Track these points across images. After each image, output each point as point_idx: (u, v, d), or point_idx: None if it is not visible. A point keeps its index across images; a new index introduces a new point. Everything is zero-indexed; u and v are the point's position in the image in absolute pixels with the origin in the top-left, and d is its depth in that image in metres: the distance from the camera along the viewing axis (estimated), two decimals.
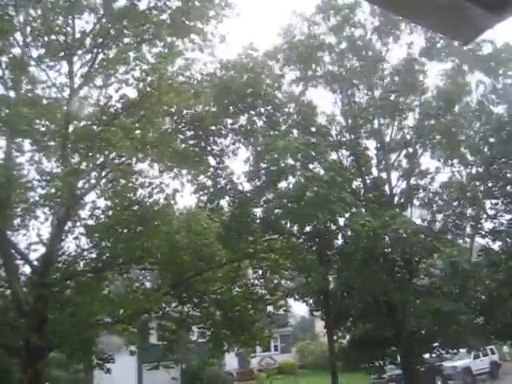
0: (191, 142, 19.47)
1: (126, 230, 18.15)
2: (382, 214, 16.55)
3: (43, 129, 16.63)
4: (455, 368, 31.27)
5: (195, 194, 19.56)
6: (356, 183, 19.90)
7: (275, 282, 21.60)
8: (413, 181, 20.13)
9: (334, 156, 19.86)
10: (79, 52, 17.53)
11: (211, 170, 19.68)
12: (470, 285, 17.94)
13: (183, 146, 19.18)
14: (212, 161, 20.00)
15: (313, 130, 19.35)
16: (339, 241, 19.80)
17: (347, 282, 18.60)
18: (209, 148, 19.73)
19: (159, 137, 17.35)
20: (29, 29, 17.44)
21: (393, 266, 18.85)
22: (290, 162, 18.57)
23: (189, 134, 19.41)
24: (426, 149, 20.14)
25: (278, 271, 20.89)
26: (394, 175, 20.52)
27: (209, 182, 19.52)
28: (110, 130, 15.11)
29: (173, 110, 18.09)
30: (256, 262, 20.60)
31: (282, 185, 19.01)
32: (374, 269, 17.86)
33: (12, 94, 16.88)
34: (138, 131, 16.61)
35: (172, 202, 18.92)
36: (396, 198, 20.09)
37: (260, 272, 21.62)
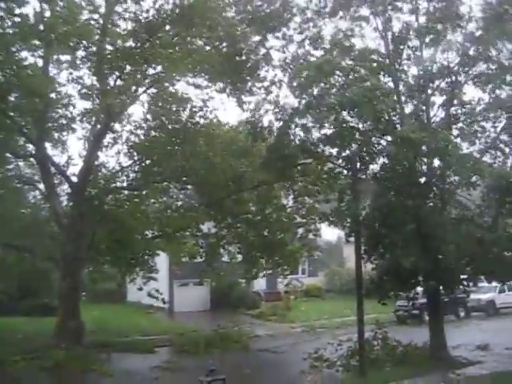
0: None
1: (167, 148, 18.23)
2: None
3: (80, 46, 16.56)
4: (480, 301, 31.98)
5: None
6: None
7: (307, 205, 21.58)
8: (453, 110, 19.58)
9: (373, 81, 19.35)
10: None
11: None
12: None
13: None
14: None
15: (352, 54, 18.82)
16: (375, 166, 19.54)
17: (381, 207, 18.44)
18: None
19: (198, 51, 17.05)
20: None
21: (428, 195, 18.66)
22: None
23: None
24: (469, 78, 19.49)
25: (311, 194, 20.80)
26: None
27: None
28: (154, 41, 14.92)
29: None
30: (289, 185, 20.58)
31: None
32: (410, 195, 17.71)
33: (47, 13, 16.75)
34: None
35: (214, 120, 18.85)
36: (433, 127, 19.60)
37: (292, 196, 21.59)
